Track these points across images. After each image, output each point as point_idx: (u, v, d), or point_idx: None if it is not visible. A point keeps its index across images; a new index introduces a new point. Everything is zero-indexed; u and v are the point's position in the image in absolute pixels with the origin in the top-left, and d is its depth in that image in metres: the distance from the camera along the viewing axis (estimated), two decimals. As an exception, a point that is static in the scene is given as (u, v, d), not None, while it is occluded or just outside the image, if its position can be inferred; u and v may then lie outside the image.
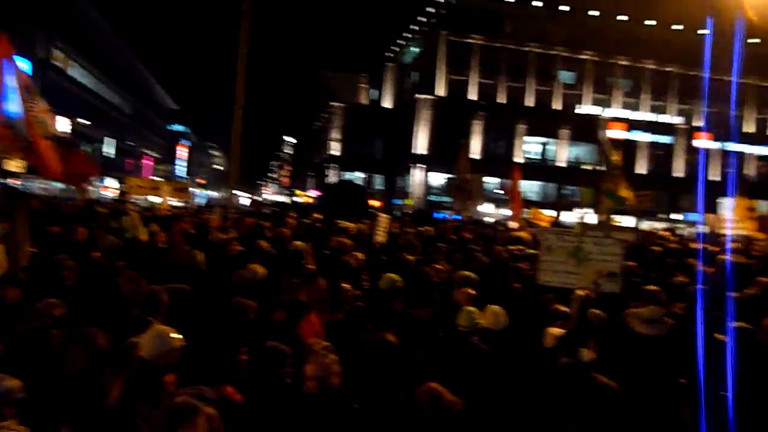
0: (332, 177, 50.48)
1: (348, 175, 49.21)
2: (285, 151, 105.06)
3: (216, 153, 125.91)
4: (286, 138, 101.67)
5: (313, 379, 3.42)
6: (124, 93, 60.87)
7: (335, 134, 53.24)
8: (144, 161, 64.02)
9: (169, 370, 3.11)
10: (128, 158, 59.80)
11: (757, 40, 40.31)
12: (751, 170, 48.84)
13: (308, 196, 58.28)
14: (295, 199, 59.13)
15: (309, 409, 3.26)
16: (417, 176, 47.07)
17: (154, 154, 70.68)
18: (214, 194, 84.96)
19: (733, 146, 47.90)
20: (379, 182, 52.66)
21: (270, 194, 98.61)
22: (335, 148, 53.05)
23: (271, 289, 5.74)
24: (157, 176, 54.18)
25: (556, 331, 5.02)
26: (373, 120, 52.55)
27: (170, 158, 79.20)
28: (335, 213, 14.47)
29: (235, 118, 11.78)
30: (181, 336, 3.57)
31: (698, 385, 4.05)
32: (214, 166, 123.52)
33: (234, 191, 14.57)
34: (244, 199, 55.62)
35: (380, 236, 10.41)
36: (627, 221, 26.43)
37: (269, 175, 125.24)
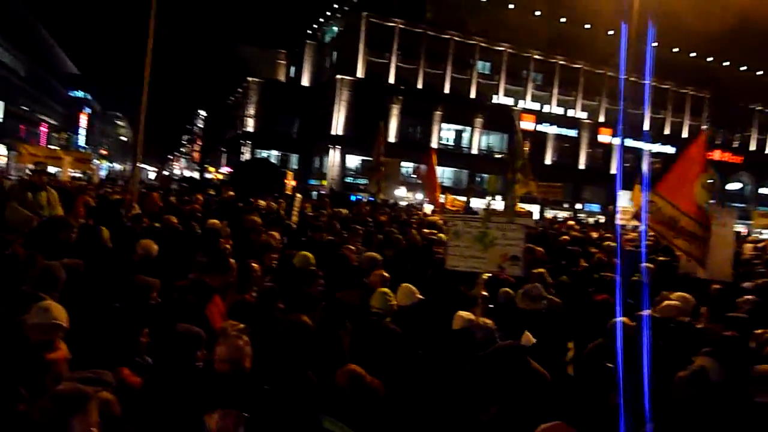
0: (246, 154, 49.24)
1: (263, 153, 48.21)
2: (197, 125, 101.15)
3: (121, 123, 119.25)
4: (200, 111, 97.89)
5: (224, 361, 3.32)
6: (16, 52, 56.07)
7: (251, 110, 51.84)
8: (40, 128, 59.56)
9: (53, 348, 2.89)
10: (22, 124, 55.37)
11: (655, 44, 42.92)
12: (645, 166, 52.32)
13: (221, 172, 56.58)
14: (207, 175, 57.18)
15: (219, 391, 3.15)
16: (333, 157, 46.83)
17: (52, 121, 65.87)
18: (117, 166, 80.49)
19: (632, 142, 51.14)
20: (294, 162, 51.92)
21: (179, 169, 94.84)
22: (250, 125, 51.70)
23: (177, 268, 5.51)
24: (54, 145, 50.61)
25: (465, 314, 5.13)
26: (291, 98, 51.56)
27: (70, 126, 74.09)
28: (249, 191, 14.13)
29: (143, 87, 11.14)
30: (65, 312, 3.36)
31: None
32: (119, 137, 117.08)
33: (140, 164, 13.82)
34: (151, 172, 53.16)
35: (294, 216, 10.28)
36: (533, 209, 27.59)
37: (180, 149, 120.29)
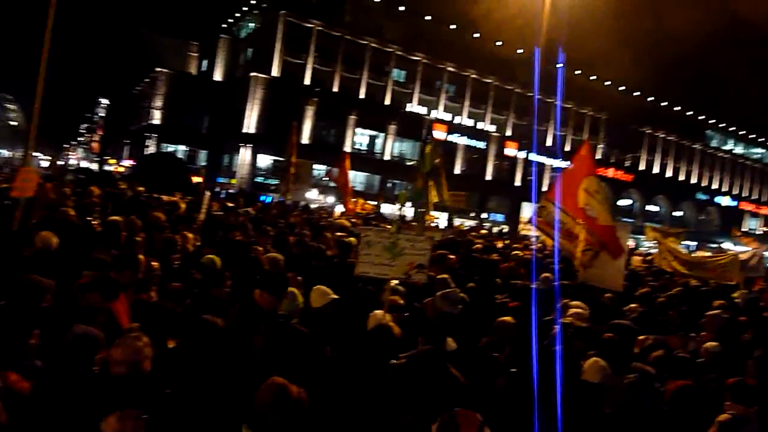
0: (151, 148, 47.06)
1: (169, 148, 46.27)
2: (98, 113, 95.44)
3: (12, 107, 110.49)
4: (101, 100, 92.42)
5: (121, 363, 3.15)
6: None
7: (158, 102, 49.62)
8: None
9: None
10: None
11: (560, 65, 45.28)
12: (546, 179, 55.08)
13: (123, 165, 53.71)
14: (107, 168, 54.08)
15: (116, 395, 2.98)
16: (244, 156, 45.75)
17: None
18: (5, 153, 74.51)
19: (536, 157, 53.66)
20: (203, 158, 50.22)
21: (76, 159, 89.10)
22: (156, 117, 49.47)
23: (75, 264, 5.15)
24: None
25: (379, 314, 5.29)
26: (201, 92, 49.85)
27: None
28: (153, 186, 13.50)
29: (40, 69, 10.34)
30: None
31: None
32: (9, 122, 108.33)
33: (32, 152, 12.80)
34: (43, 161, 49.55)
35: (201, 214, 9.94)
36: (441, 217, 28.28)
37: (77, 139, 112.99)
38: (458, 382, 4.06)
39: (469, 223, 36.49)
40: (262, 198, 28.70)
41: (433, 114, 50.71)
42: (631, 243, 13.08)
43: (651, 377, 4.40)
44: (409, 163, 50.06)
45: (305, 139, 44.26)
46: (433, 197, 11.20)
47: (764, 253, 21.15)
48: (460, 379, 4.10)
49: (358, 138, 49.34)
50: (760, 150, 73.98)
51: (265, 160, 46.46)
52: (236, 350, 3.80)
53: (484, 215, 49.90)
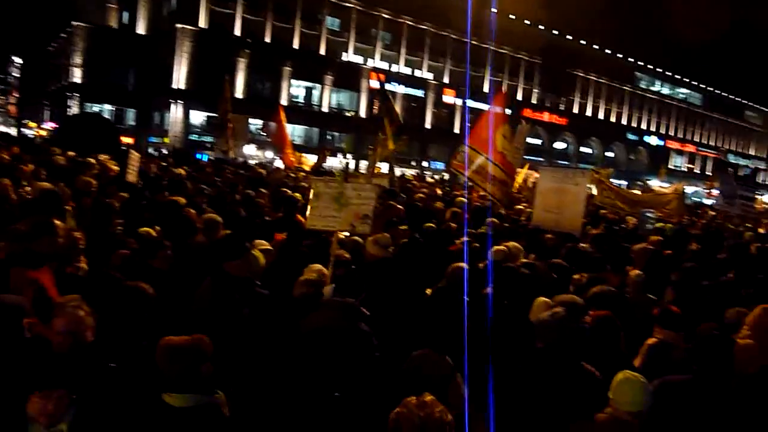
0: (74, 108, 44.41)
1: (94, 108, 43.78)
2: (12, 74, 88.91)
3: None
4: (14, 58, 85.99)
5: (62, 334, 2.97)
6: None
7: (77, 59, 46.56)
8: None
9: None
10: None
11: (495, 10, 45.15)
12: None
13: (43, 128, 50.61)
14: (26, 131, 50.81)
15: (58, 367, 2.84)
16: (176, 113, 43.88)
17: None
18: None
19: (474, 104, 53.90)
20: (131, 117, 47.89)
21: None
22: (77, 76, 46.52)
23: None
24: None
25: (315, 268, 5.08)
26: (124, 47, 46.95)
27: None
28: (78, 149, 12.68)
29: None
30: None
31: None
32: None
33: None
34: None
35: (131, 175, 9.43)
36: (383, 167, 28.15)
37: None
38: (366, 336, 4.05)
39: (410, 171, 36.56)
40: (199, 156, 27.72)
41: (370, 63, 49.88)
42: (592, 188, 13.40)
43: (580, 309, 4.42)
44: (348, 115, 49.43)
45: (239, 93, 42.77)
46: (384, 152, 11.21)
47: (685, 189, 22.07)
48: (369, 333, 4.10)
49: (293, 90, 48.08)
50: (685, 90, 76.83)
51: (198, 117, 44.73)
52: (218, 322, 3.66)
53: (424, 163, 50.14)
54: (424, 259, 6.43)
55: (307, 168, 19.64)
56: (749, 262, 8.61)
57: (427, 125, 53.44)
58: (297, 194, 8.74)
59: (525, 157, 25.13)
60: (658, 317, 4.81)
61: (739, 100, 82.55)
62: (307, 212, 6.01)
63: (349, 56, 49.73)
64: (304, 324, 3.98)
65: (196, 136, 44.17)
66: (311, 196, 6.05)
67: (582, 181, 9.28)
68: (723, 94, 79.61)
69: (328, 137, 48.80)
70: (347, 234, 6.29)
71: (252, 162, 27.28)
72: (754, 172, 74.12)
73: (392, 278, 5.26)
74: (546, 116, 58.52)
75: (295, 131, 43.43)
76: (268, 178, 13.34)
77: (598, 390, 3.58)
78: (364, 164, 41.55)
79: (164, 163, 14.76)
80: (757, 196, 27.15)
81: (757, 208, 22.74)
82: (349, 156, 46.57)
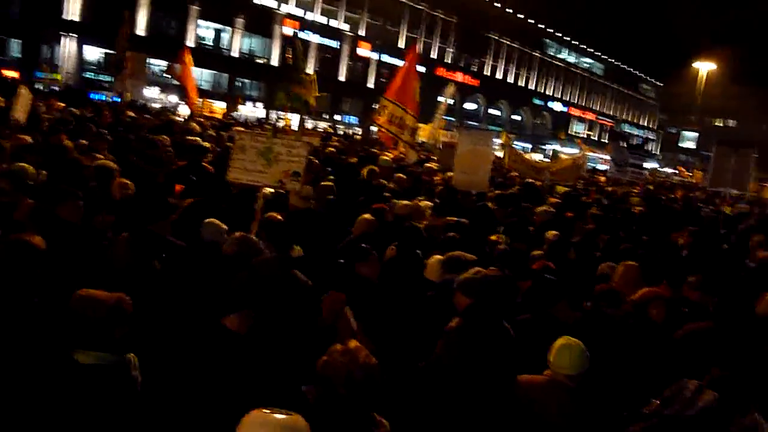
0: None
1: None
2: None
3: None
4: None
5: None
6: None
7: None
8: None
9: None
10: None
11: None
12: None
13: None
14: None
15: None
16: (68, 47, 40.17)
17: None
18: None
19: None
20: (15, 49, 43.33)
21: None
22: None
23: None
24: None
25: (216, 222, 4.95)
26: (7, -32, 42.02)
27: None
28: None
29: None
30: None
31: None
32: None
33: None
34: None
35: (19, 114, 8.47)
36: (293, 119, 27.37)
37: None
38: (304, 286, 4.12)
39: (322, 125, 35.92)
40: (94, 96, 25.67)
41: (284, 8, 47.84)
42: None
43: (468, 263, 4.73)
44: (259, 61, 47.45)
45: (140, 30, 39.73)
46: (308, 99, 11.32)
47: (588, 154, 23.22)
48: (304, 281, 4.20)
49: (201, 32, 45.30)
50: (589, 60, 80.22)
51: (93, 53, 41.22)
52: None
53: (337, 117, 49.38)
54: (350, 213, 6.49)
55: (216, 115, 18.76)
56: (634, 224, 9.50)
57: (341, 78, 52.43)
58: (206, 143, 8.29)
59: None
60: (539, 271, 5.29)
61: (636, 72, 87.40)
62: (231, 165, 5.90)
63: (263, -1, 47.45)
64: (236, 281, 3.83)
65: (92, 74, 40.80)
66: (235, 147, 5.95)
67: (490, 142, 9.80)
68: (622, 66, 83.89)
69: (238, 84, 46.75)
70: (271, 190, 6.28)
71: (155, 106, 25.62)
72: (644, 142, 79.45)
73: (315, 229, 5.38)
74: (459, 76, 59.10)
75: (202, 76, 41.13)
76: (176, 127, 12.51)
77: (516, 346, 3.87)
78: (274, 115, 40.36)
79: (62, 104, 13.44)
80: (645, 165, 29.19)
81: (645, 175, 24.58)
82: (259, 105, 45.02)
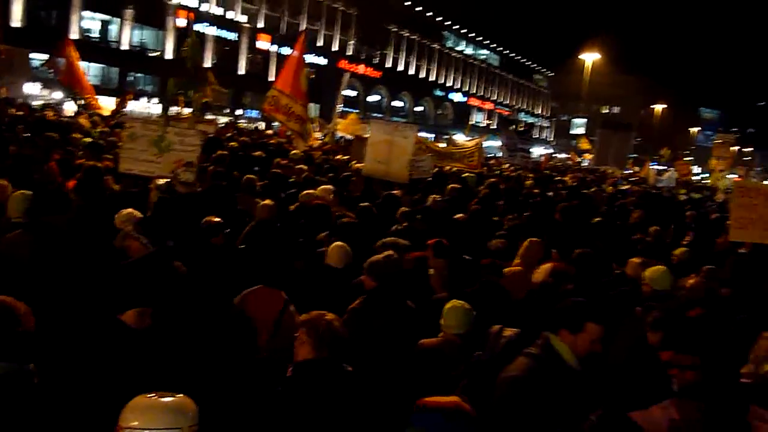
0: None
1: None
2: None
3: None
4: None
5: None
6: None
7: None
8: None
9: None
10: None
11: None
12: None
13: None
14: None
15: None
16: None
17: None
18: None
19: (289, 51, 52.64)
20: None
21: None
22: None
23: None
24: None
25: (125, 213, 4.99)
26: None
27: None
28: None
29: None
30: None
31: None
32: None
33: None
34: None
35: None
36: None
37: None
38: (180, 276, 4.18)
39: (223, 120, 34.91)
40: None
41: (176, -1, 45.87)
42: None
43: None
44: (152, 54, 45.30)
45: (16, 21, 36.76)
46: (201, 98, 11.08)
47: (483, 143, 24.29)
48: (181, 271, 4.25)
49: (86, 23, 42.52)
50: (485, 52, 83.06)
51: (-38, 46, 37.72)
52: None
53: (239, 111, 48.14)
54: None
55: (105, 113, 17.79)
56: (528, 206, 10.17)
57: (241, 71, 51.09)
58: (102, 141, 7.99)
59: (345, 109, 25.50)
60: (433, 247, 5.70)
61: (529, 63, 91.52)
62: (121, 155, 5.79)
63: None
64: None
65: (-39, 69, 37.34)
66: (124, 137, 5.81)
67: (410, 135, 9.99)
68: (516, 57, 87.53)
69: (130, 78, 44.43)
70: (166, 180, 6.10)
71: (35, 103, 23.80)
72: (530, 128, 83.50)
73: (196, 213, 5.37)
74: (361, 68, 59.34)
75: (90, 70, 38.62)
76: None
77: (420, 321, 4.26)
78: (173, 110, 38.67)
79: None
80: (532, 149, 31.05)
81: (533, 159, 26.18)
82: (154, 100, 42.99)
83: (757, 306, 5.37)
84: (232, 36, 49.59)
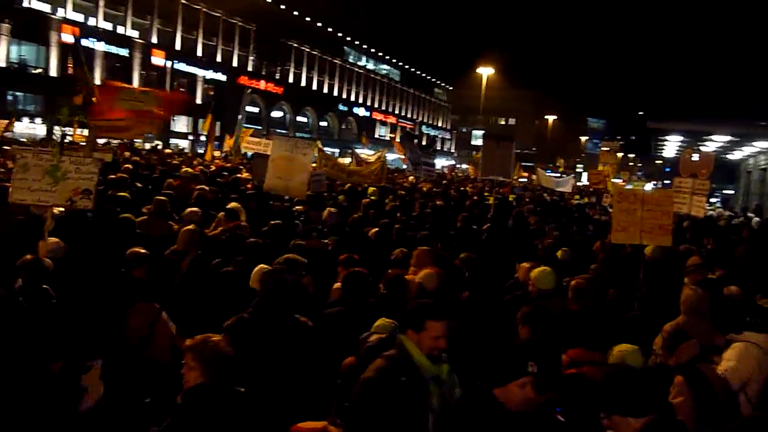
0: None
1: None
2: None
3: None
4: None
5: None
6: None
7: None
8: None
9: None
10: None
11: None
12: (199, 92, 53.23)
13: None
14: None
15: None
16: None
17: None
18: None
19: (186, 67, 51.23)
20: None
21: None
22: None
23: None
24: None
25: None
26: None
27: None
28: None
29: None
30: None
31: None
32: None
33: None
34: None
35: None
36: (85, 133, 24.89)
37: None
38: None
39: (116, 141, 33.16)
40: None
41: (60, 13, 43.28)
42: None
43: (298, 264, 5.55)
44: (35, 72, 42.43)
45: None
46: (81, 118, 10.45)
47: (386, 155, 24.71)
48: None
49: (-44, 38, 39.19)
50: (386, 66, 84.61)
51: None
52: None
53: (134, 131, 45.91)
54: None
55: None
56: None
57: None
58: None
59: (245, 125, 25.09)
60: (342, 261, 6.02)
61: (429, 78, 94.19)
62: (11, 184, 5.77)
63: (33, 2, 42.41)
64: None
65: None
66: (16, 167, 5.80)
67: (309, 152, 10.20)
68: (417, 72, 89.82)
69: (10, 98, 41.34)
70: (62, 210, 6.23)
71: None
72: (433, 141, 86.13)
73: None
74: (263, 84, 58.59)
75: (-39, 89, 35.63)
76: None
77: (311, 334, 4.34)
78: (59, 132, 36.27)
79: None
80: (436, 162, 32.08)
81: (436, 172, 26.94)
82: (38, 120, 40.21)
83: (625, 302, 5.82)
84: (123, 52, 47.34)
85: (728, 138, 32.79)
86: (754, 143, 33.49)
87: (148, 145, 30.18)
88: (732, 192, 49.80)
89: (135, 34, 48.72)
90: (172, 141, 46.51)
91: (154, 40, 49.94)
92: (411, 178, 23.26)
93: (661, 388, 3.10)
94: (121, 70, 47.12)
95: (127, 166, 11.98)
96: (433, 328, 3.35)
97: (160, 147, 31.86)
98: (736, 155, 40.94)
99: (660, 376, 3.35)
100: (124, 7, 47.87)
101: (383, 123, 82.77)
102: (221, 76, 53.48)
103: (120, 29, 47.53)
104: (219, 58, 55.57)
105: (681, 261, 7.47)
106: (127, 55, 47.73)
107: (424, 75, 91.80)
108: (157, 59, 49.38)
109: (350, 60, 76.11)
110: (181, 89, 49.36)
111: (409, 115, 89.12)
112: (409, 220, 9.49)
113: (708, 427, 3.04)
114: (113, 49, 46.40)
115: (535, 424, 2.99)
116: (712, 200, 50.87)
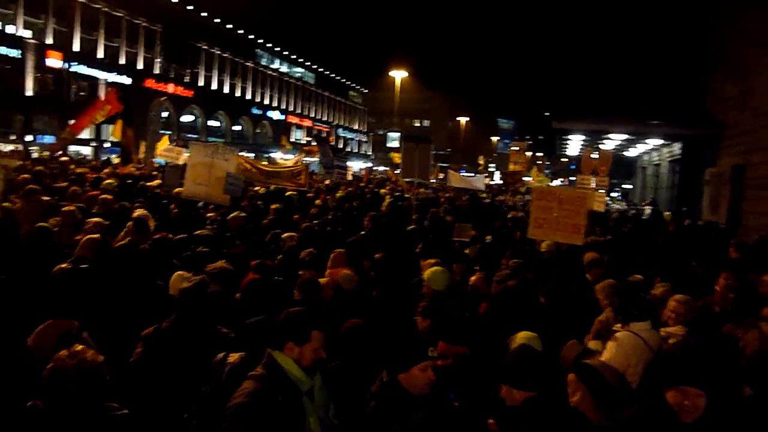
0: None
1: None
2: None
3: None
4: None
5: None
6: None
7: None
8: None
9: None
10: None
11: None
12: (102, 95, 50.45)
13: None
14: None
15: None
16: None
17: None
18: None
19: (87, 70, 48.50)
20: None
21: None
22: None
23: None
24: None
25: None
26: None
27: None
28: None
29: None
30: None
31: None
32: None
33: None
34: None
35: None
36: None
37: None
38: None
39: (10, 147, 30.94)
40: None
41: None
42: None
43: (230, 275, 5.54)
44: None
45: None
46: None
47: (306, 159, 24.67)
48: None
49: None
50: (300, 70, 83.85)
51: None
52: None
53: (29, 137, 42.87)
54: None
55: None
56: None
57: (29, 92, 45.66)
58: None
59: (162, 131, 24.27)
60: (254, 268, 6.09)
61: (344, 81, 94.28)
62: None
63: None
64: None
65: None
66: None
67: (231, 157, 10.03)
68: (331, 75, 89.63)
69: None
70: None
71: None
72: (345, 144, 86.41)
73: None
74: (171, 88, 56.48)
75: None
76: None
77: (233, 345, 4.08)
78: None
79: None
80: (348, 165, 32.09)
81: (348, 176, 27.08)
82: None
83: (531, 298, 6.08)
84: (14, 53, 44.10)
85: (624, 136, 34.81)
86: (647, 141, 35.81)
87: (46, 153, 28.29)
88: (630, 186, 53.09)
89: (28, 33, 45.51)
90: (72, 148, 43.81)
91: (50, 40, 46.84)
92: (327, 181, 23.17)
93: (552, 370, 3.42)
94: (14, 72, 43.96)
95: (25, 176, 11.25)
96: (317, 339, 3.17)
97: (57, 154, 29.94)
98: (632, 152, 43.65)
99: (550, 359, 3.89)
100: (15, 5, 44.61)
101: (299, 126, 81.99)
102: (126, 80, 50.93)
103: (10, 29, 44.26)
104: (123, 60, 53.00)
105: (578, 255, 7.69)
106: (19, 57, 44.51)
107: (338, 78, 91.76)
108: (53, 61, 46.31)
109: (263, 63, 74.84)
110: (81, 92, 46.83)
111: (324, 118, 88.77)
112: (326, 224, 9.46)
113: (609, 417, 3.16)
114: (3, 50, 43.16)
115: (433, 408, 3.22)
116: (613, 194, 53.98)
